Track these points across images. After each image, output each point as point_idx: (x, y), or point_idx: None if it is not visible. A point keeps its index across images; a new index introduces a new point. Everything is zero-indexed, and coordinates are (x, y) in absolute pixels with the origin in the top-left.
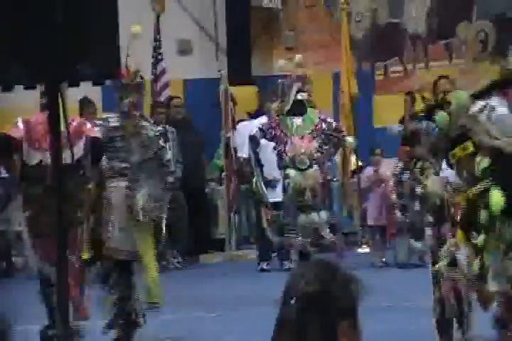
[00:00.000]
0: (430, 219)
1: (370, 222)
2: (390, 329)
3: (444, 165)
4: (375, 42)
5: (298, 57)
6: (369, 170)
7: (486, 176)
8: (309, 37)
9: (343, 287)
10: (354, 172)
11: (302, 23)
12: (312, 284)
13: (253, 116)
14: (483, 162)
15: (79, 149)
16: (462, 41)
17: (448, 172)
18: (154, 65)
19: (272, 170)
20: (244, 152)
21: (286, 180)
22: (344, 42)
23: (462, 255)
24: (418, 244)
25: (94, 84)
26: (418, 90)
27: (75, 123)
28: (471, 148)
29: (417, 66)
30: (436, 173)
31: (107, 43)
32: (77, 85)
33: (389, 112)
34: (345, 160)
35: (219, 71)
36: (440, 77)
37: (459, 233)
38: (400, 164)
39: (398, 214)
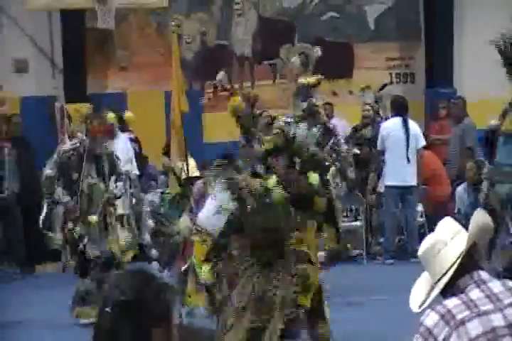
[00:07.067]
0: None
1: None
2: None
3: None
4: (204, 62)
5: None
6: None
7: None
8: (142, 57)
9: (156, 295)
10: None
11: (135, 44)
12: (125, 293)
13: None
14: None
15: None
16: (285, 62)
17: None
18: None
19: None
20: None
21: None
22: (174, 62)
23: None
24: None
25: None
26: None
27: None
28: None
29: (243, 85)
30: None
31: None
32: None
33: (218, 129)
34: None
35: (55, 89)
36: None
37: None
38: None
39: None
